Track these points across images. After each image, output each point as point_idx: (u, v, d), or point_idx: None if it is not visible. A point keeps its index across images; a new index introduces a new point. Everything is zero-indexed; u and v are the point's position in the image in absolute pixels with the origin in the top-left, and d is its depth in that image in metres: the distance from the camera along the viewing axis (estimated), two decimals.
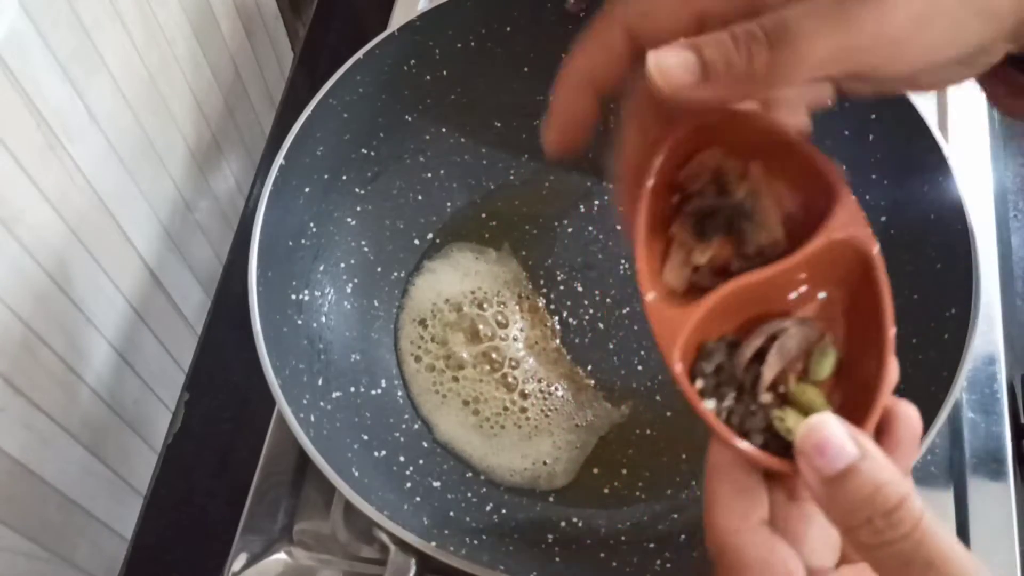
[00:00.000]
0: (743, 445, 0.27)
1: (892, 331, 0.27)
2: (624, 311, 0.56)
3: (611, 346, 0.55)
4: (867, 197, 0.49)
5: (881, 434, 0.27)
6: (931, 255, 0.47)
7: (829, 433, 0.25)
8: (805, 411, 0.28)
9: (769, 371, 0.29)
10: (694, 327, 0.29)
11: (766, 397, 0.28)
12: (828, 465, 0.25)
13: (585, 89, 0.31)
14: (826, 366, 0.29)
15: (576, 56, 0.31)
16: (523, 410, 0.53)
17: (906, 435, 0.27)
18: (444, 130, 0.58)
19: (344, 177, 0.55)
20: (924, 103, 0.48)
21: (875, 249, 0.28)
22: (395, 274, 0.57)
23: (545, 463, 0.52)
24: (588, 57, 0.31)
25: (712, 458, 0.28)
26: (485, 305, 0.56)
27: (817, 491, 0.25)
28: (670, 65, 0.27)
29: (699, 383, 0.29)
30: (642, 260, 0.30)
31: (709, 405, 0.29)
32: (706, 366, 0.29)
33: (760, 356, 0.29)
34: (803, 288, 0.30)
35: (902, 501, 0.24)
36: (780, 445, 0.28)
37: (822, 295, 0.30)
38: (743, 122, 0.30)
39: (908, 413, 0.27)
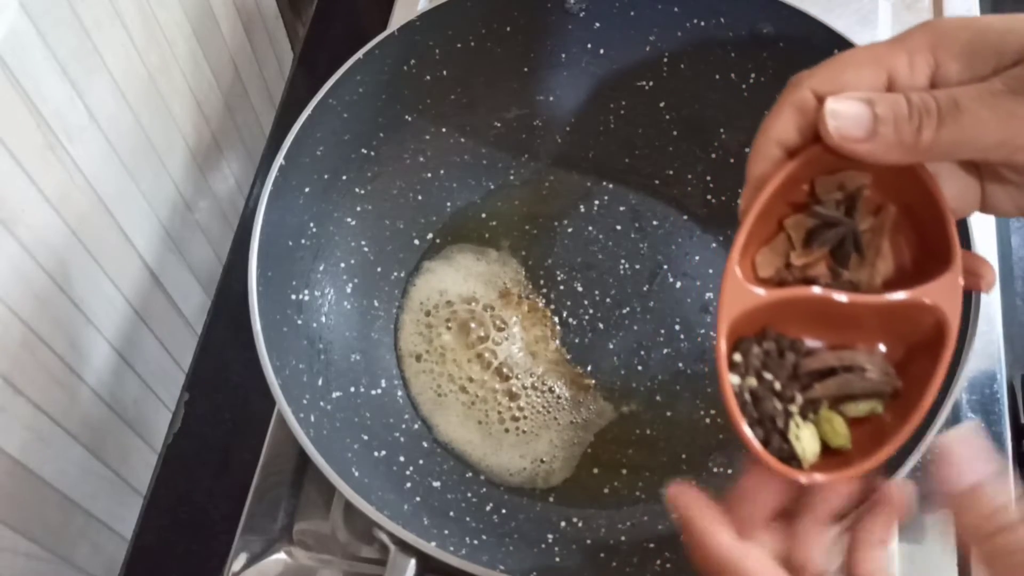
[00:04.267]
0: (764, 455, 0.28)
1: (929, 402, 0.28)
2: (624, 311, 0.56)
3: (611, 346, 0.55)
4: None
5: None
6: None
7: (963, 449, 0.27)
8: (824, 435, 0.28)
9: (822, 391, 0.29)
10: (758, 308, 0.30)
11: (795, 406, 0.29)
12: (961, 479, 0.27)
13: (779, 155, 0.32)
14: (864, 410, 0.29)
15: (768, 124, 0.32)
16: (521, 409, 0.53)
17: (884, 511, 0.29)
18: (444, 130, 0.58)
19: (344, 177, 0.55)
20: None
21: (955, 332, 0.29)
22: (395, 274, 0.57)
23: (543, 461, 0.52)
24: (779, 122, 0.31)
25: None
26: (485, 305, 0.56)
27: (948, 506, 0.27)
28: (844, 115, 0.28)
29: (737, 356, 0.30)
30: (744, 234, 0.30)
31: (734, 380, 0.29)
32: (755, 348, 0.30)
33: (822, 373, 0.29)
34: (872, 330, 0.30)
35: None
36: (778, 446, 0.28)
37: (882, 347, 0.30)
38: (906, 168, 0.30)
39: (889, 495, 0.30)
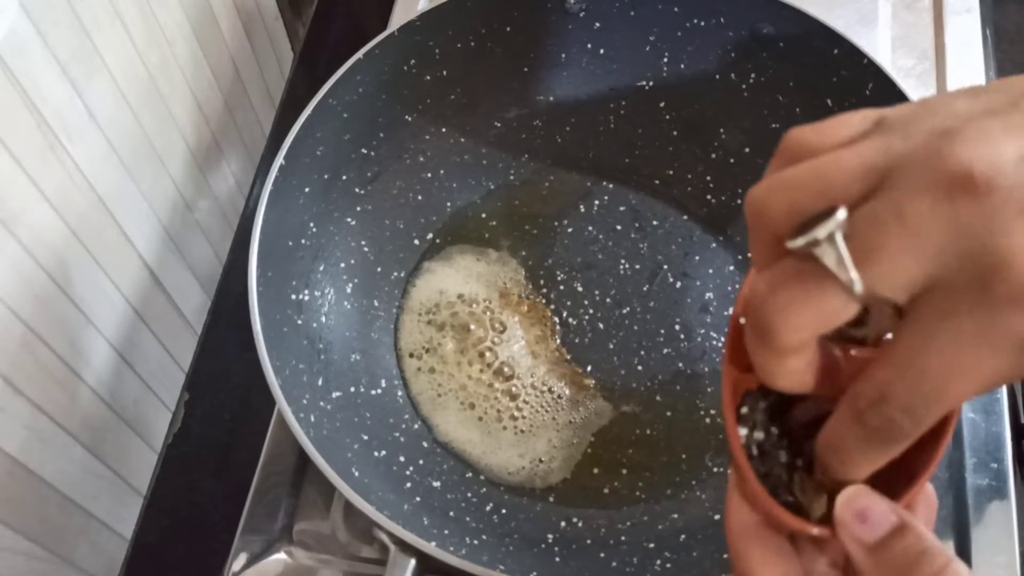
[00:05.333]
0: (777, 509, 0.27)
1: (942, 450, 0.27)
2: (624, 311, 0.56)
3: (611, 346, 0.55)
4: None
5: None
6: None
7: (869, 501, 0.26)
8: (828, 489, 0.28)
9: (788, 445, 0.29)
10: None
11: (801, 460, 0.28)
12: (871, 532, 0.25)
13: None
14: None
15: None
16: (520, 409, 0.53)
17: (926, 515, 0.28)
18: (444, 130, 0.58)
19: (344, 177, 0.55)
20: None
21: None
22: (395, 274, 0.57)
23: (541, 461, 0.52)
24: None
25: (735, 519, 0.28)
26: (485, 305, 0.56)
27: (862, 560, 0.25)
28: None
29: (744, 408, 0.29)
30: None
31: (741, 431, 0.28)
32: (761, 402, 0.29)
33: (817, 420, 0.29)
34: None
35: (948, 563, 0.24)
36: (784, 499, 0.28)
37: None
38: None
39: (928, 494, 0.28)
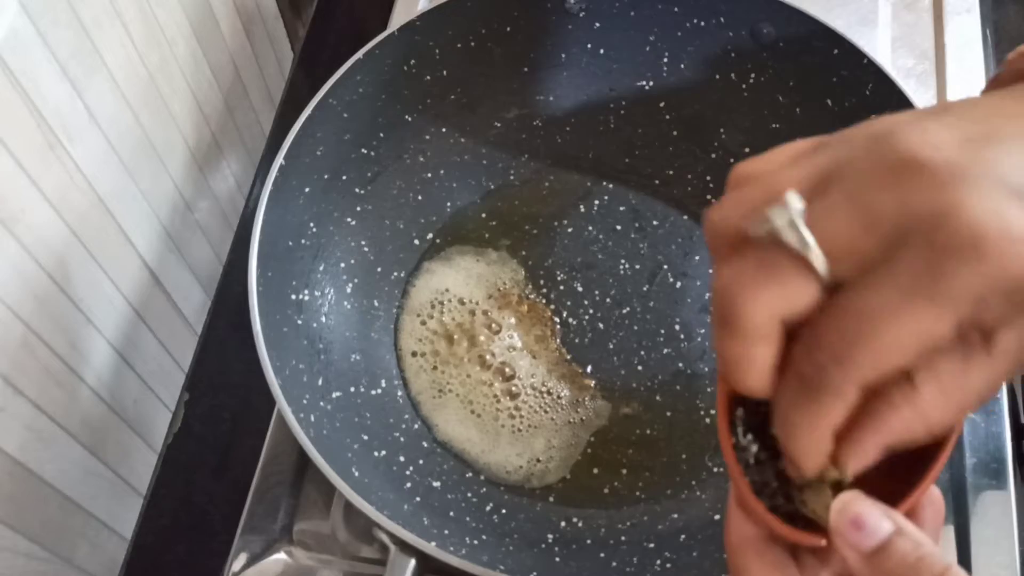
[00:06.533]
0: (771, 520, 0.27)
1: (943, 460, 0.27)
2: (624, 311, 0.56)
3: (611, 346, 0.55)
4: None
5: (909, 515, 0.27)
6: None
7: (863, 508, 0.25)
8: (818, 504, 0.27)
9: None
10: None
11: (782, 465, 0.28)
12: (866, 539, 0.25)
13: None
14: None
15: None
16: (519, 409, 0.53)
17: (932, 517, 0.27)
18: (444, 130, 0.58)
19: (344, 177, 0.55)
20: (922, 99, 0.48)
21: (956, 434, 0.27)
22: (395, 274, 0.57)
23: (539, 460, 0.52)
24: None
25: (734, 533, 0.28)
26: (485, 305, 0.56)
27: (859, 568, 0.25)
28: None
29: (739, 419, 0.29)
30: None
31: (738, 446, 0.28)
32: (755, 413, 0.28)
33: None
34: None
35: (946, 569, 0.24)
36: (785, 510, 0.27)
37: None
38: None
39: (933, 495, 0.27)
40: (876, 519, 0.25)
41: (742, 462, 0.28)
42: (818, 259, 0.23)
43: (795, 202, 0.23)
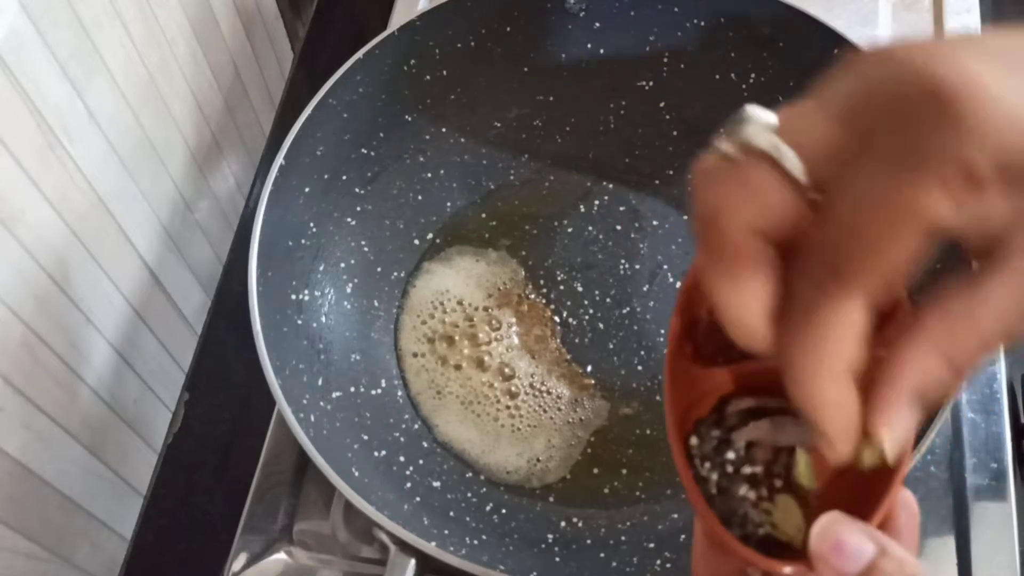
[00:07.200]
0: (744, 550, 0.26)
1: (904, 471, 0.25)
2: (624, 311, 0.56)
3: (611, 346, 0.55)
4: None
5: (884, 524, 0.26)
6: (930, 255, 0.47)
7: (843, 531, 0.24)
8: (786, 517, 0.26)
9: (756, 432, 0.27)
10: (710, 391, 0.28)
11: (745, 490, 0.27)
12: (850, 564, 0.24)
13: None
14: (805, 475, 0.27)
15: None
16: (518, 408, 0.53)
17: (908, 522, 0.26)
18: (444, 130, 0.58)
19: (344, 177, 0.55)
20: None
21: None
22: (395, 274, 0.57)
23: (538, 460, 0.52)
24: None
25: (704, 570, 0.27)
26: (485, 305, 0.56)
27: None
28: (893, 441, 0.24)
29: (695, 440, 0.27)
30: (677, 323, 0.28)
31: (698, 470, 0.27)
32: (713, 431, 0.27)
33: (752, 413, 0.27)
34: None
35: None
36: (757, 535, 0.26)
37: None
38: None
39: (907, 500, 0.26)
40: (858, 542, 0.24)
41: (704, 495, 0.27)
42: (791, 160, 0.22)
43: (763, 112, 0.22)
